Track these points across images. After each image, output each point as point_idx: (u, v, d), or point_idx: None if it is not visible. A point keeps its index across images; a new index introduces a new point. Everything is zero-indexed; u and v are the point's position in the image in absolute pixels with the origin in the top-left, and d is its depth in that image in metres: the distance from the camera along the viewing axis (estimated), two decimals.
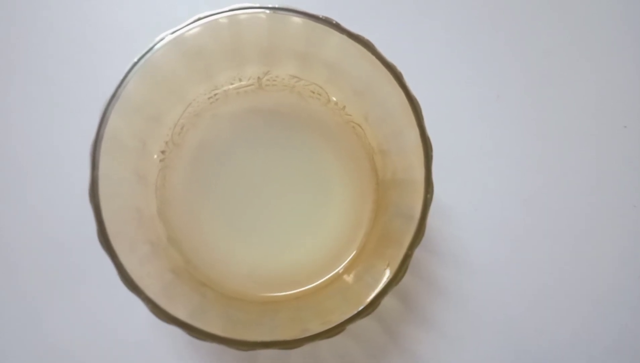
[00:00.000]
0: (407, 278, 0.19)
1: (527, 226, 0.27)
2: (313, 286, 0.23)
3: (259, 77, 0.24)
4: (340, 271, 0.23)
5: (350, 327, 0.18)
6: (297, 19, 0.20)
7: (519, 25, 0.29)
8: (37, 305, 0.25)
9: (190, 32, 0.20)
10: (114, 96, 0.19)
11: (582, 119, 0.28)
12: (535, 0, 0.29)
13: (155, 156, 0.23)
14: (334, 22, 0.20)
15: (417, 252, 0.19)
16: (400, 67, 0.20)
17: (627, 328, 0.26)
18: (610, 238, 0.27)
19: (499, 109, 0.28)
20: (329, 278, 0.23)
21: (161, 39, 0.20)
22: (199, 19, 0.20)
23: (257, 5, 0.20)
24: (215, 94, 0.24)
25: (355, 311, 0.18)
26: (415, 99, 0.19)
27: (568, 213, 0.27)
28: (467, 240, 0.26)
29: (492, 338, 0.25)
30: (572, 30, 0.29)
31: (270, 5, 0.20)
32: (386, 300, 0.19)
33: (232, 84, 0.24)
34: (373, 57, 0.20)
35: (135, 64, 0.19)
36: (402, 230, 0.20)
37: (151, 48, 0.19)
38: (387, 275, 0.19)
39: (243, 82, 0.24)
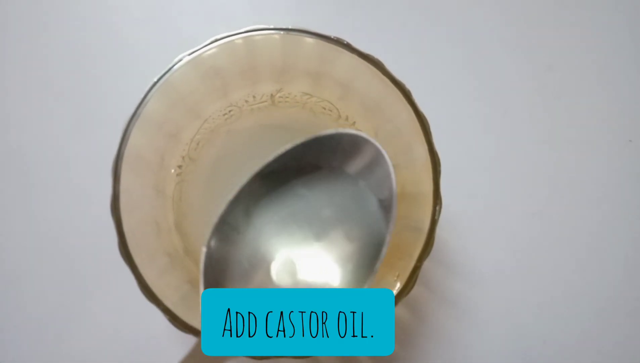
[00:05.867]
0: (416, 289, 0.20)
1: (532, 238, 0.27)
2: None
3: (272, 95, 0.25)
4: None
5: None
6: (309, 40, 0.21)
7: (525, 42, 0.29)
8: (54, 315, 0.26)
9: (208, 52, 0.20)
10: (134, 115, 0.20)
11: (587, 133, 0.28)
12: (539, 17, 0.30)
13: (173, 171, 0.24)
14: (345, 42, 0.20)
15: (426, 263, 0.19)
16: (409, 84, 0.20)
17: (631, 338, 0.26)
18: (615, 249, 0.27)
19: (506, 124, 0.28)
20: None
21: (179, 60, 0.20)
22: (216, 40, 0.20)
23: (271, 26, 0.21)
24: (230, 111, 0.25)
25: None
26: (424, 116, 0.20)
27: (573, 225, 0.27)
28: (474, 251, 0.27)
29: (500, 348, 0.26)
30: (576, 46, 0.29)
31: (283, 27, 0.21)
32: (396, 310, 0.19)
33: (246, 101, 0.25)
34: (383, 76, 0.20)
35: (155, 83, 0.20)
36: (412, 242, 0.20)
37: (170, 68, 0.20)
38: (397, 286, 0.19)
39: (257, 99, 0.25)
